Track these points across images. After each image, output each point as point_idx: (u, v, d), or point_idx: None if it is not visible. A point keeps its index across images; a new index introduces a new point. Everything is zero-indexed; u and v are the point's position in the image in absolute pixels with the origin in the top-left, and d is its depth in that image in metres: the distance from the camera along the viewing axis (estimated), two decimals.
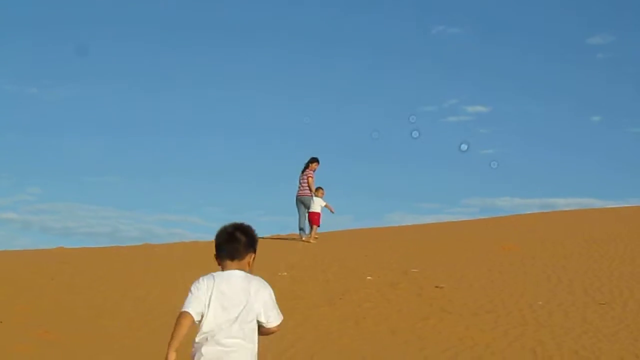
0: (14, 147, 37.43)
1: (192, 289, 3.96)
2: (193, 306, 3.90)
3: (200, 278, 4.00)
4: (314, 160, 17.76)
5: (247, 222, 4.17)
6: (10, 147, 37.21)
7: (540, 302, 10.54)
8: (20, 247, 20.79)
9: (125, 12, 38.85)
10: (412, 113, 36.10)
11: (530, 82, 40.02)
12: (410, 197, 38.71)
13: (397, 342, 9.08)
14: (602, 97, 39.05)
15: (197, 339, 3.93)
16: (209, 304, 3.89)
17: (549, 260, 13.88)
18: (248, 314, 3.91)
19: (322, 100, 38.34)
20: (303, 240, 17.43)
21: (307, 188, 17.41)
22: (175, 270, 13.54)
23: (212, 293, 3.91)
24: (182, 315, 3.89)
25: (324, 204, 17.37)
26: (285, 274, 12.67)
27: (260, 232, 4.27)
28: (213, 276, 3.99)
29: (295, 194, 17.68)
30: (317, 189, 17.47)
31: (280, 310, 4.04)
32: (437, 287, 11.59)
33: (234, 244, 4.05)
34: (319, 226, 17.60)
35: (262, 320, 3.95)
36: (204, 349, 3.89)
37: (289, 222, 22.81)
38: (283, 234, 19.96)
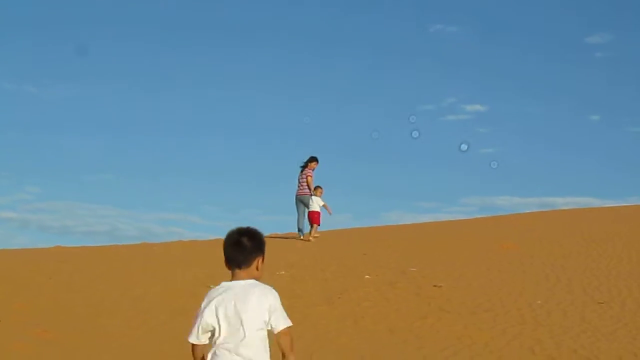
0: (13, 146, 37.46)
1: (201, 306, 4.04)
2: (195, 334, 4.01)
3: (208, 292, 4.07)
4: (313, 159, 17.76)
5: (251, 225, 4.21)
6: (9, 145, 37.24)
7: (539, 301, 10.54)
8: (19, 246, 20.81)
9: (124, 12, 38.88)
10: (411, 112, 36.14)
11: (529, 81, 40.06)
12: (409, 196, 38.79)
13: (395, 341, 9.08)
14: (600, 96, 39.09)
15: (209, 353, 4.01)
16: (217, 319, 3.97)
17: (548, 259, 13.88)
18: (254, 322, 3.93)
19: (322, 100, 38.38)
20: (302, 239, 17.43)
21: (307, 187, 17.41)
22: (174, 269, 13.54)
23: (217, 307, 3.98)
24: (191, 347, 4.06)
25: (322, 203, 17.38)
26: (284, 272, 12.67)
27: None
28: (218, 289, 4.06)
29: (294, 194, 17.69)
30: (316, 187, 17.49)
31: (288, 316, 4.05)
32: (435, 286, 11.59)
33: (240, 253, 4.09)
34: (319, 225, 17.62)
35: (269, 326, 3.97)
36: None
37: (287, 221, 22.83)
38: (280, 232, 19.98)
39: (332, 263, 13.72)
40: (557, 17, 39.32)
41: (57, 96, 37.71)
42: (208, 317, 3.97)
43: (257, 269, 4.10)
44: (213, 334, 3.98)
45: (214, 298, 4.00)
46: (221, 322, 3.94)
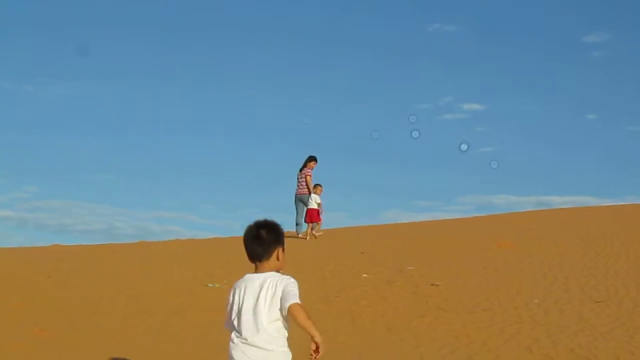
0: (11, 145, 37.41)
1: (229, 298, 4.24)
2: (228, 322, 4.24)
3: (234, 284, 4.25)
4: (312, 158, 17.79)
5: (270, 218, 4.36)
6: (8, 145, 37.19)
7: (536, 300, 10.54)
8: (16, 245, 20.83)
9: (124, 11, 38.83)
10: (408, 111, 36.14)
11: (526, 80, 40.04)
12: (406, 194, 38.79)
13: (392, 340, 9.07)
14: (598, 95, 39.11)
15: (230, 341, 4.17)
16: (235, 310, 4.15)
17: (545, 258, 13.89)
18: (268, 314, 4.05)
19: (322, 100, 38.37)
20: (300, 237, 17.45)
21: (306, 187, 17.46)
22: (171, 267, 13.53)
23: (235, 298, 4.17)
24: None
25: (319, 201, 17.44)
26: (281, 271, 12.65)
27: None
28: (240, 281, 4.23)
29: (294, 193, 17.72)
30: (316, 185, 17.55)
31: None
32: (433, 284, 11.59)
33: (259, 245, 4.23)
34: (320, 222, 17.68)
35: (283, 311, 4.04)
36: (240, 350, 4.12)
37: (285, 221, 22.79)
38: None
39: (330, 261, 13.72)
40: (554, 16, 39.36)
41: (54, 95, 37.70)
42: (230, 307, 4.17)
43: (277, 259, 4.19)
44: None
45: (235, 289, 4.18)
46: (238, 314, 4.10)
